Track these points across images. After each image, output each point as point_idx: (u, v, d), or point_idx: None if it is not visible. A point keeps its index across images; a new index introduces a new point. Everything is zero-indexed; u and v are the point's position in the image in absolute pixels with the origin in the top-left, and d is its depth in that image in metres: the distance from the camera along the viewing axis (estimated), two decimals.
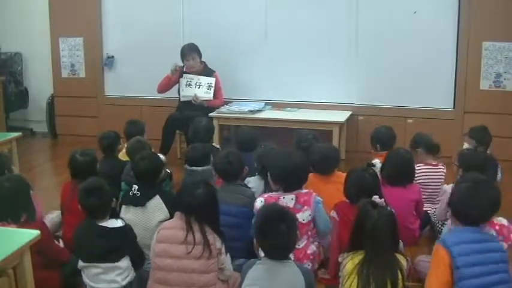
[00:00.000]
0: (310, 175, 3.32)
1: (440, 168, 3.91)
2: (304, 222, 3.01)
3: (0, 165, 3.38)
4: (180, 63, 5.50)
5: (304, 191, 3.09)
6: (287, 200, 3.02)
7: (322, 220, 3.09)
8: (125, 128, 4.35)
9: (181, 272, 2.57)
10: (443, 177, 3.91)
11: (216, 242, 2.59)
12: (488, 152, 3.89)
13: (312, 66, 5.67)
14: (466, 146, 4.05)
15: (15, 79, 6.65)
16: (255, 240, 2.50)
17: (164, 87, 5.61)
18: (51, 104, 6.61)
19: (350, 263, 2.45)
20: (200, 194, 2.63)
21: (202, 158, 3.77)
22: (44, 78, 6.63)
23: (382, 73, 5.51)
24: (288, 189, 3.06)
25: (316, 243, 3.14)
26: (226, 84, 5.65)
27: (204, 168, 3.71)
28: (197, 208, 2.61)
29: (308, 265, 2.97)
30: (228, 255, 2.72)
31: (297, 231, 2.46)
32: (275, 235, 2.36)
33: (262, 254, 2.47)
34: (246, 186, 3.40)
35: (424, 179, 3.80)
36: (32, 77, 6.80)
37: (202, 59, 5.54)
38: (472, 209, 2.45)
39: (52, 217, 3.50)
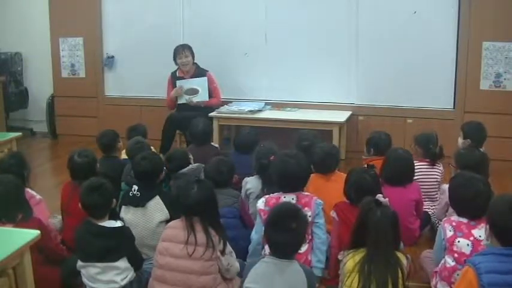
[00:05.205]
0: (311, 175, 3.33)
1: (435, 166, 3.93)
2: None
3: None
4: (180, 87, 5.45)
5: (305, 193, 3.09)
6: (288, 199, 3.02)
7: (320, 225, 3.06)
8: (127, 134, 4.32)
9: (180, 272, 2.58)
10: (439, 174, 3.93)
11: (220, 244, 2.60)
12: (482, 149, 3.88)
13: (312, 66, 5.67)
14: (460, 141, 4.06)
15: (15, 79, 6.64)
16: (263, 236, 2.51)
17: (172, 104, 5.56)
18: (51, 104, 6.61)
19: (351, 260, 2.46)
20: (195, 193, 2.64)
21: (182, 164, 3.66)
22: (44, 78, 6.63)
23: (382, 73, 5.51)
24: (287, 191, 3.06)
25: None
26: (226, 84, 5.66)
27: (188, 167, 3.66)
28: (196, 207, 2.62)
29: None
30: (233, 252, 2.72)
31: (305, 232, 2.48)
32: (285, 231, 2.38)
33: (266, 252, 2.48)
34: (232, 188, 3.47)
35: (420, 176, 3.81)
36: (32, 77, 6.80)
37: (196, 61, 5.50)
38: None
39: (54, 222, 3.50)
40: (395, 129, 5.03)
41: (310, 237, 3.06)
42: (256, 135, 4.33)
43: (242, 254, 3.01)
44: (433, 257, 2.95)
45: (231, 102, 5.74)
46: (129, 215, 3.14)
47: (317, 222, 3.01)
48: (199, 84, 5.44)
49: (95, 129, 5.39)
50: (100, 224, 2.75)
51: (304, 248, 2.99)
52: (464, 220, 2.69)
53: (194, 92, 5.44)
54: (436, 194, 3.88)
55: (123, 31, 6.21)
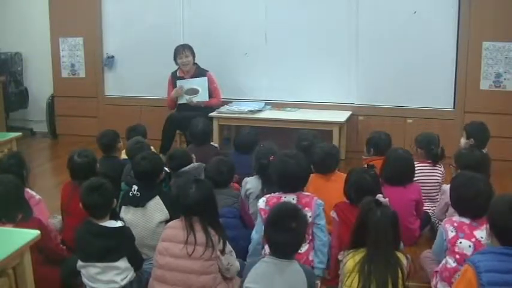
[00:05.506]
0: (311, 175, 3.33)
1: (437, 167, 3.93)
2: None
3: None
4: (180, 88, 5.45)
5: (306, 193, 3.09)
6: (288, 199, 3.02)
7: (321, 226, 3.06)
8: (126, 135, 4.31)
9: (180, 272, 2.58)
10: (440, 175, 3.92)
11: (219, 243, 2.60)
12: (484, 150, 3.88)
13: (312, 66, 5.67)
14: (463, 141, 4.06)
15: (15, 79, 6.64)
16: (263, 236, 2.51)
17: (173, 104, 5.56)
18: (51, 104, 6.61)
19: (351, 260, 2.46)
20: (194, 193, 2.64)
21: (183, 163, 3.68)
22: (44, 78, 6.63)
23: (382, 73, 5.51)
24: (287, 191, 3.06)
25: None
26: (226, 84, 5.66)
27: (190, 166, 3.67)
28: (195, 206, 2.62)
29: None
30: (233, 252, 2.72)
31: (305, 232, 2.48)
32: (285, 231, 2.39)
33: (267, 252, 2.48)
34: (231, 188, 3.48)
35: (421, 177, 3.81)
36: (32, 77, 6.80)
37: (196, 61, 5.50)
38: None
39: (53, 222, 3.50)
40: (395, 129, 5.03)
41: (310, 237, 3.06)
42: (256, 135, 4.33)
43: (242, 254, 3.01)
44: (433, 257, 2.95)
45: (231, 102, 5.74)
46: (129, 215, 3.14)
47: (318, 224, 3.01)
48: (200, 84, 5.45)
49: (95, 129, 5.39)
50: (101, 224, 2.75)
51: (304, 248, 3.00)
52: (466, 221, 2.69)
53: (194, 92, 5.44)
54: (437, 195, 3.87)
55: (123, 31, 6.21)
